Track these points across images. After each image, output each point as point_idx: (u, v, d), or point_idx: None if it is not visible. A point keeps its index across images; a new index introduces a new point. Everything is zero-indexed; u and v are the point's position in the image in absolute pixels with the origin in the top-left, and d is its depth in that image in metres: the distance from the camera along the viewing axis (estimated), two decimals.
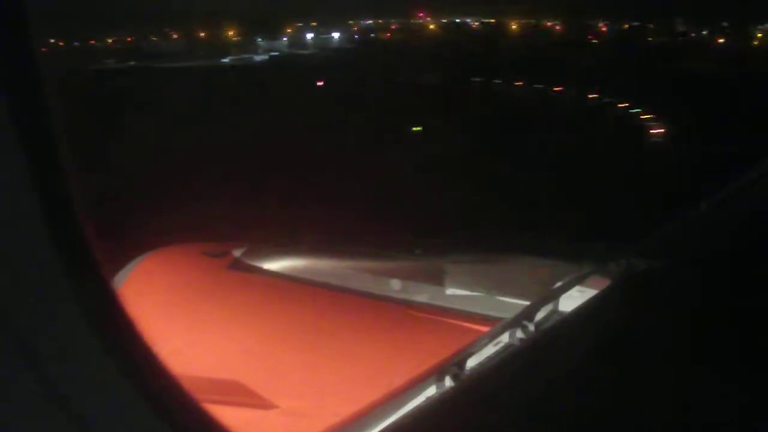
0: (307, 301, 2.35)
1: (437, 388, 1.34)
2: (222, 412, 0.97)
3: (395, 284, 2.32)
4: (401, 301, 2.28)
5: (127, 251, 2.48)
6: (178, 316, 2.26)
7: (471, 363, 1.41)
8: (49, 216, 0.74)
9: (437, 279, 2.31)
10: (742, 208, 1.79)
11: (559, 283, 1.67)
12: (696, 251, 1.67)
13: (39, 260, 0.73)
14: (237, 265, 2.51)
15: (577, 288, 1.62)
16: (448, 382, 1.34)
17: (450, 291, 2.29)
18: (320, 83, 35.61)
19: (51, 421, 0.74)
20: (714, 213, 1.81)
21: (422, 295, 2.31)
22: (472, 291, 2.27)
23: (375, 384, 1.58)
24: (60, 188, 0.77)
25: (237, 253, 2.57)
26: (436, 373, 1.36)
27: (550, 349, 1.39)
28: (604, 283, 1.58)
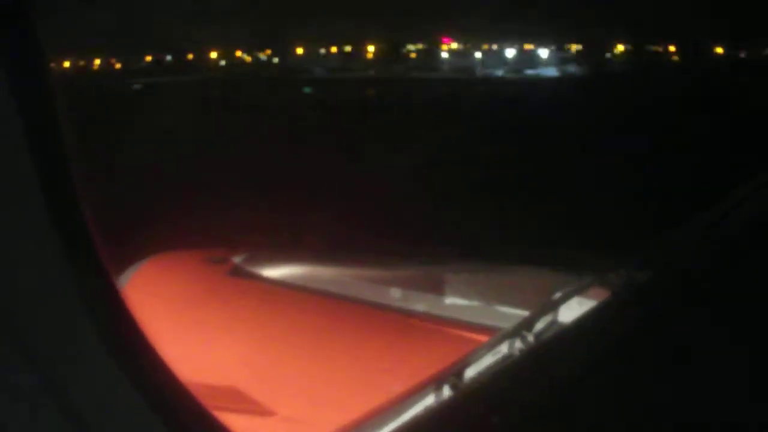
0: (306, 309, 2.35)
1: (435, 397, 1.34)
2: (220, 419, 0.96)
3: (395, 293, 2.32)
4: (401, 310, 2.28)
5: (127, 256, 2.48)
6: (177, 322, 2.26)
7: (470, 373, 1.40)
8: (54, 214, 0.74)
9: (437, 288, 2.31)
10: (746, 218, 1.79)
11: (558, 294, 1.67)
12: (697, 262, 1.66)
13: (43, 260, 0.73)
14: (237, 272, 2.51)
15: (576, 299, 1.62)
16: (447, 391, 1.34)
17: (449, 300, 2.29)
18: None
19: (52, 424, 0.74)
20: (716, 223, 1.80)
21: (422, 304, 2.31)
22: (471, 300, 2.27)
23: (373, 393, 1.58)
24: (67, 188, 0.77)
25: (237, 259, 2.57)
26: (434, 383, 1.36)
27: (549, 359, 1.39)
28: (604, 294, 1.57)
